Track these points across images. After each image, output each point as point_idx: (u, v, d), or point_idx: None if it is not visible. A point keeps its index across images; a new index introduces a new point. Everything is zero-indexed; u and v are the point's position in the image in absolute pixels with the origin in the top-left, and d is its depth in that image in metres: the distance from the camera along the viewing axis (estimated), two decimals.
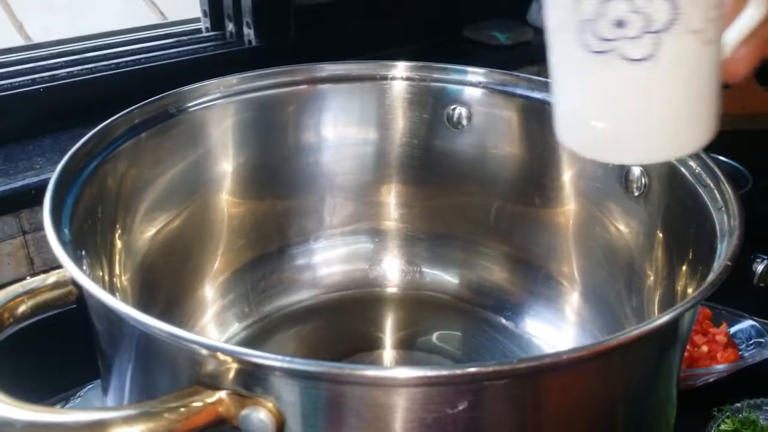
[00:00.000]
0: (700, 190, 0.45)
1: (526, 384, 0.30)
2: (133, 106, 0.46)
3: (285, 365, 0.28)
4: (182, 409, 0.30)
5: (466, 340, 0.61)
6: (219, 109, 0.52)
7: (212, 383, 0.31)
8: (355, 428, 0.31)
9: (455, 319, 0.62)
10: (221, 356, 0.29)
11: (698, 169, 0.46)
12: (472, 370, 0.27)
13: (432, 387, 0.29)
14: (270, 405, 0.30)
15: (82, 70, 0.80)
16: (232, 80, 0.52)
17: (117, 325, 0.34)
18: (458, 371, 0.28)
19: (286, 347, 0.58)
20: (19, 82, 0.76)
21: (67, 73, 0.79)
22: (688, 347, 0.62)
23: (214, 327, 0.56)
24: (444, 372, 0.28)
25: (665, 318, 0.31)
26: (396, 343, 0.60)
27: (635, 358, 0.34)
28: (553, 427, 0.33)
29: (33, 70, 0.79)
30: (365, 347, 0.59)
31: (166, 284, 0.51)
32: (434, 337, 0.61)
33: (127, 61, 0.82)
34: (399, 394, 0.29)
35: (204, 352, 0.30)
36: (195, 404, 0.30)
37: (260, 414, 0.30)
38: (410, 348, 0.60)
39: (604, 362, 0.32)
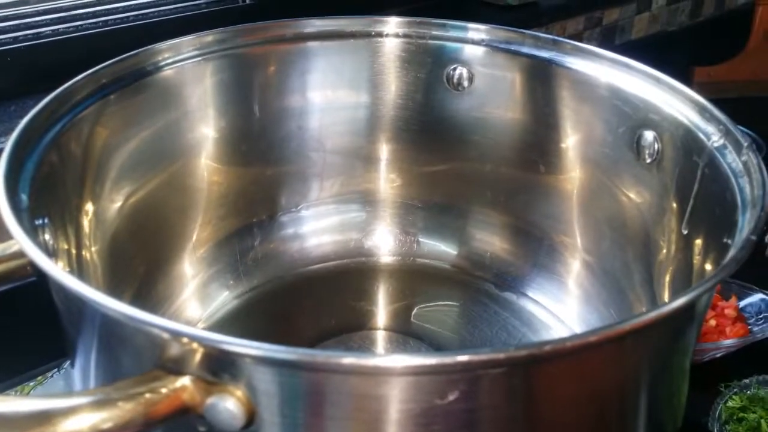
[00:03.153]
0: (719, 157, 0.41)
1: (523, 372, 0.27)
2: (100, 65, 0.43)
3: (255, 352, 0.25)
4: (140, 398, 0.27)
5: (465, 313, 0.58)
6: (195, 69, 0.49)
7: (175, 368, 0.27)
8: (335, 419, 0.28)
9: (453, 292, 0.59)
10: (184, 340, 0.26)
11: (717, 134, 0.42)
12: (464, 358, 0.24)
13: (419, 376, 0.26)
14: (239, 393, 0.27)
15: (68, 28, 0.75)
16: (208, 37, 0.49)
17: (74, 303, 0.31)
18: (448, 360, 0.24)
19: (272, 323, 0.55)
20: (0, 39, 0.72)
21: (53, 31, 0.75)
22: None
23: (195, 302, 0.53)
24: (431, 361, 0.25)
25: (683, 300, 0.28)
26: (390, 317, 0.57)
27: (649, 343, 0.31)
28: (554, 417, 0.30)
29: (17, 28, 0.75)
30: (357, 322, 0.56)
31: (141, 257, 0.48)
32: (430, 310, 0.58)
33: (115, 19, 0.78)
34: (383, 383, 0.26)
35: (165, 335, 0.26)
36: (155, 392, 0.27)
37: (227, 403, 0.27)
38: (405, 322, 0.57)
39: (613, 348, 0.29)
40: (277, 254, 0.58)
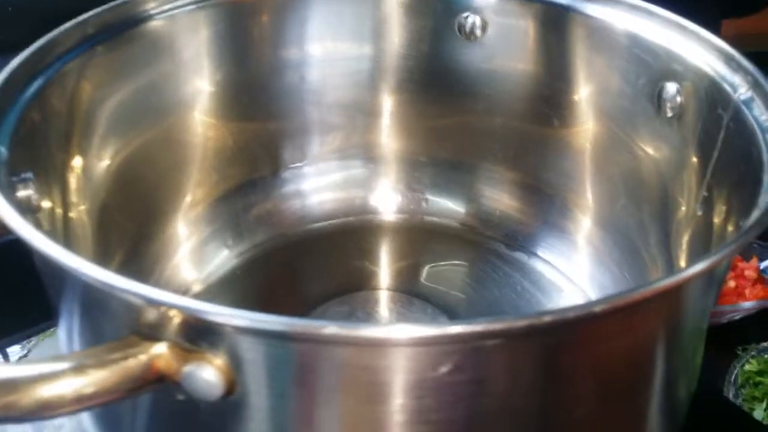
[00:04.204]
0: (746, 110, 0.38)
1: (523, 344, 0.25)
2: (87, 14, 0.40)
3: (234, 321, 0.24)
4: (113, 364, 0.25)
5: (473, 273, 0.56)
6: (188, 18, 0.46)
7: (152, 334, 0.26)
8: (321, 389, 0.26)
9: (461, 251, 0.57)
10: (159, 308, 0.24)
11: (744, 86, 0.39)
12: (456, 330, 0.22)
13: (409, 347, 0.24)
14: (218, 362, 0.26)
15: None
16: None
17: (49, 264, 0.29)
18: (438, 332, 0.22)
19: (273, 284, 0.53)
20: None
21: None
22: None
23: (192, 263, 0.51)
24: (421, 332, 0.23)
25: (701, 266, 0.26)
26: (396, 276, 0.55)
27: (662, 311, 0.29)
28: (559, 390, 0.28)
29: None
30: (362, 282, 0.54)
31: (132, 217, 0.46)
32: (438, 269, 0.56)
33: None
34: (370, 353, 0.25)
35: (138, 302, 0.25)
36: (129, 358, 0.25)
37: (205, 372, 0.25)
38: (411, 282, 0.55)
39: (622, 318, 0.27)
40: (278, 212, 0.56)
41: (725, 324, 0.57)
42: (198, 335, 0.25)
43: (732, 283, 0.59)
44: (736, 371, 0.53)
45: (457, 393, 0.25)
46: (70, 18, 0.67)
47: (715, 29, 0.97)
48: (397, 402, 0.26)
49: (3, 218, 0.27)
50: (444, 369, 0.24)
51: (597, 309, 0.24)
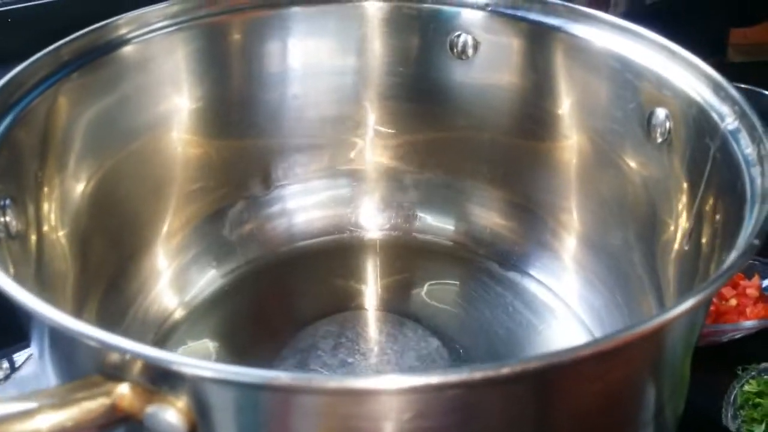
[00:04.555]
0: (732, 142, 0.38)
1: (481, 393, 0.24)
2: (60, 42, 0.40)
3: (189, 370, 0.24)
4: (75, 404, 0.25)
5: (465, 292, 0.56)
6: (163, 41, 0.46)
7: (115, 374, 0.26)
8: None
9: (453, 269, 0.57)
10: (115, 353, 0.24)
11: (731, 116, 0.39)
12: (413, 382, 0.22)
13: (372, 396, 0.24)
14: (180, 404, 0.25)
15: None
16: (173, 8, 0.46)
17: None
18: (392, 385, 0.22)
19: (260, 305, 0.53)
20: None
21: None
22: (714, 300, 0.57)
23: (175, 286, 0.51)
24: (379, 384, 0.23)
25: (660, 319, 0.25)
26: (386, 296, 0.55)
27: (637, 355, 0.28)
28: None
29: None
30: (351, 301, 0.54)
31: (112, 240, 0.46)
32: (429, 289, 0.56)
33: None
34: (329, 402, 0.24)
35: (96, 346, 0.25)
36: (92, 398, 0.25)
37: (167, 413, 0.25)
38: (402, 302, 0.54)
39: (593, 366, 0.26)
40: (265, 231, 0.56)
41: (726, 343, 0.56)
42: (159, 378, 0.25)
43: (733, 302, 0.58)
44: (735, 391, 0.52)
45: None
46: (67, 30, 0.68)
47: (723, 38, 0.96)
48: None
49: None
50: (407, 415, 0.24)
51: (564, 358, 0.23)
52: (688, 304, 0.27)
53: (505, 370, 0.22)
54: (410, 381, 0.22)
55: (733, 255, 0.29)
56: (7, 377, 0.51)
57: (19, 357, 0.52)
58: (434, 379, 0.22)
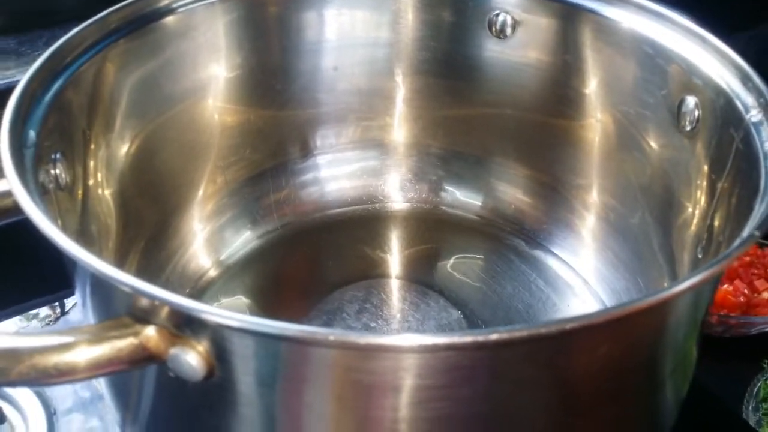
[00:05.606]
0: (754, 133, 0.38)
1: (493, 356, 0.26)
2: (108, 10, 0.43)
3: (209, 317, 0.26)
4: (107, 342, 0.28)
5: (489, 267, 0.57)
6: (205, 11, 0.48)
7: (143, 317, 0.28)
8: (290, 380, 0.28)
9: (477, 244, 0.58)
10: (144, 299, 0.27)
11: (756, 108, 0.39)
12: (428, 342, 0.24)
13: (384, 353, 0.26)
14: (200, 348, 0.28)
15: None
16: None
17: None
18: (406, 343, 0.24)
19: (289, 269, 0.55)
20: None
21: None
22: (746, 291, 0.57)
23: (210, 246, 0.53)
24: (391, 341, 0.25)
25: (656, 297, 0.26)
26: (411, 266, 0.57)
27: (643, 330, 0.30)
28: (536, 402, 0.30)
29: None
30: (377, 270, 0.56)
31: (153, 200, 0.49)
32: (454, 261, 0.57)
33: None
34: (350, 356, 0.26)
35: (128, 290, 0.27)
36: (121, 337, 0.28)
37: (188, 356, 0.28)
38: (427, 273, 0.56)
39: (600, 335, 0.28)
40: (296, 199, 0.58)
41: (754, 335, 0.56)
42: (183, 323, 0.28)
43: (766, 295, 0.57)
44: (759, 384, 0.53)
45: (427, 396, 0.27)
46: None
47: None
48: (375, 400, 0.28)
49: (19, 203, 0.30)
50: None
51: (568, 326, 0.25)
52: (687, 284, 0.28)
53: (521, 334, 0.23)
54: (416, 340, 0.24)
55: (734, 244, 0.30)
56: (57, 320, 0.55)
57: (68, 302, 0.56)
58: (440, 340, 0.24)
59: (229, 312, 0.25)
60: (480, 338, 0.24)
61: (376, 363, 0.27)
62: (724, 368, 0.55)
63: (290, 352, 0.28)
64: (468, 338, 0.24)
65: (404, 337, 0.25)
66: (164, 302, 0.27)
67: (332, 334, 0.24)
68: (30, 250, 0.37)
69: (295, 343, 0.26)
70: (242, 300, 0.53)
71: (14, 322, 0.55)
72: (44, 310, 0.56)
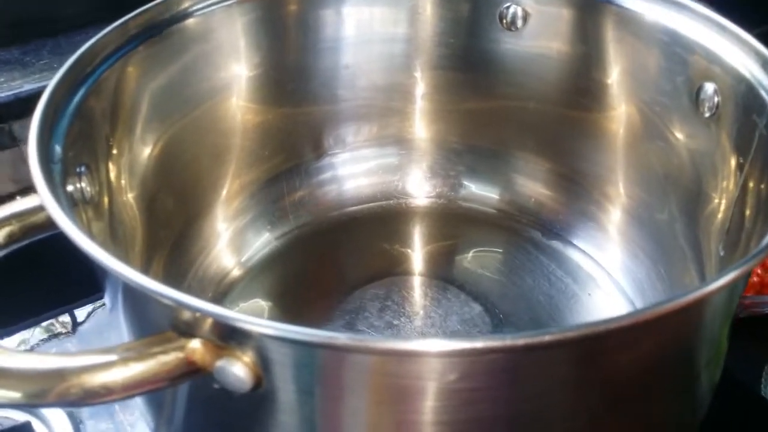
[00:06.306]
0: None
1: (524, 358, 0.26)
2: (127, 16, 0.43)
3: (254, 328, 0.26)
4: (151, 358, 0.28)
5: (509, 260, 0.57)
6: (223, 12, 0.48)
7: (187, 330, 0.28)
8: (342, 389, 0.28)
9: (495, 237, 0.58)
10: (187, 311, 0.27)
11: None
12: (456, 347, 0.24)
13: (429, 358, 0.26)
14: (246, 359, 0.28)
15: None
16: None
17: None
18: (452, 348, 0.24)
19: (311, 267, 0.55)
20: None
21: None
22: (759, 272, 0.57)
23: (232, 248, 0.54)
24: (437, 347, 0.25)
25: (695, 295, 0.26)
26: (431, 262, 0.57)
27: (668, 331, 0.30)
28: (562, 403, 0.30)
29: None
30: (397, 267, 0.56)
31: (176, 203, 0.48)
32: (473, 256, 0.57)
33: None
34: (386, 362, 0.26)
35: (172, 304, 0.27)
36: (166, 352, 0.28)
37: (235, 367, 0.28)
38: (446, 268, 0.56)
39: (632, 334, 0.28)
40: (315, 198, 0.58)
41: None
42: (228, 335, 0.28)
43: None
44: None
45: (464, 398, 0.27)
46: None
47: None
48: (412, 403, 0.28)
49: (54, 218, 0.29)
50: (452, 377, 0.26)
51: (600, 329, 0.25)
52: (726, 279, 0.28)
53: (547, 338, 0.23)
54: (455, 345, 0.24)
55: (763, 244, 0.30)
56: (74, 330, 0.55)
57: (79, 313, 0.56)
58: (478, 344, 0.24)
59: (275, 323, 0.25)
60: (532, 340, 0.24)
61: (417, 367, 0.27)
62: (738, 348, 0.55)
63: (332, 359, 0.28)
64: (520, 341, 0.24)
65: (451, 342, 0.25)
66: (209, 314, 0.27)
67: (380, 341, 0.24)
68: (34, 262, 0.37)
69: (342, 351, 0.26)
70: (264, 302, 0.53)
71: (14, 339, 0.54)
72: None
